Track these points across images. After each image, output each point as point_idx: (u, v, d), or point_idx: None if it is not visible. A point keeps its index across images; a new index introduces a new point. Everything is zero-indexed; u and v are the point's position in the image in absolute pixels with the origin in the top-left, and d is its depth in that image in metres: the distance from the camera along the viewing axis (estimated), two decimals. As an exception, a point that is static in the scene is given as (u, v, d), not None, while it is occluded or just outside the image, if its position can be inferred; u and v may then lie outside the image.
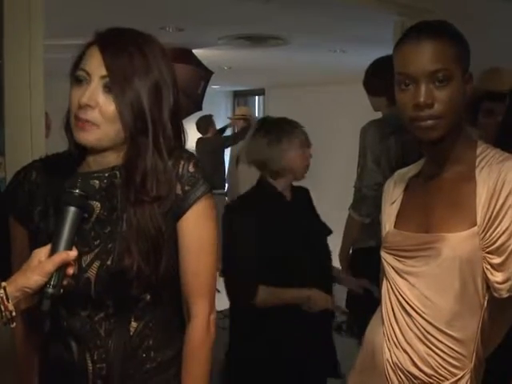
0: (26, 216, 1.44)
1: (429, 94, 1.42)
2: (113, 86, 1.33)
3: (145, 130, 1.36)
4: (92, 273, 1.37)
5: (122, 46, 1.36)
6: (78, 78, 1.36)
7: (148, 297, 1.41)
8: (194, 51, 5.48)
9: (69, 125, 1.40)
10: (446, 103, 1.42)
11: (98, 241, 1.38)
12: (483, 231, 1.41)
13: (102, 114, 1.33)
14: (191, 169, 1.41)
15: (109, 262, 1.36)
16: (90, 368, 1.40)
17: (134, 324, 1.41)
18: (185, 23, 4.69)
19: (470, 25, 1.56)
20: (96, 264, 1.37)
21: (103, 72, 1.33)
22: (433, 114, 1.43)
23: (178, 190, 1.40)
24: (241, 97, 10.22)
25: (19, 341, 1.52)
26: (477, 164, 1.47)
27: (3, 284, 1.19)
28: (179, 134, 1.44)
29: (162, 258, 1.39)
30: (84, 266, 1.37)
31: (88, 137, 1.34)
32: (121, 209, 1.39)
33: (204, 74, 5.46)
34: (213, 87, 5.87)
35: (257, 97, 10.01)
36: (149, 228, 1.37)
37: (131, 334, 1.41)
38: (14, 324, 1.20)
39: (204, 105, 5.62)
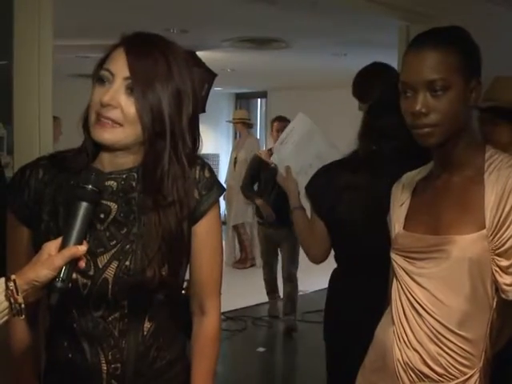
0: (33, 216, 1.42)
1: (424, 103, 1.46)
2: (135, 87, 1.34)
3: (163, 134, 1.38)
4: (110, 273, 1.37)
5: (147, 50, 1.37)
6: (101, 78, 1.37)
7: (163, 297, 1.43)
8: (197, 53, 5.50)
9: (87, 122, 1.40)
10: (442, 112, 1.46)
11: (115, 241, 1.39)
12: (492, 234, 1.43)
13: (123, 114, 1.34)
14: (207, 174, 1.46)
15: (127, 263, 1.37)
16: (105, 368, 1.40)
17: (147, 324, 1.43)
18: (189, 25, 4.72)
19: (474, 31, 1.57)
20: (114, 265, 1.37)
21: (127, 73, 1.35)
22: (428, 123, 1.46)
23: (196, 195, 1.44)
24: (243, 99, 10.24)
25: (16, 336, 1.50)
26: (485, 168, 1.49)
27: (13, 277, 1.19)
28: (195, 141, 1.47)
29: (183, 261, 1.44)
30: (101, 266, 1.38)
31: (107, 136, 1.35)
32: (138, 211, 1.40)
33: (208, 77, 5.46)
34: (215, 89, 5.88)
35: (259, 99, 10.03)
36: (172, 232, 1.39)
37: (145, 333, 1.42)
38: (23, 316, 1.20)
39: (206, 107, 5.64)
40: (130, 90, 1.35)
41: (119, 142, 1.37)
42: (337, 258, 2.29)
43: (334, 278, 2.29)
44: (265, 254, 5.72)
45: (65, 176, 1.40)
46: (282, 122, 5.67)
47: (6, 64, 2.07)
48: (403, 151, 1.98)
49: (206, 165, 1.48)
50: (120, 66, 1.35)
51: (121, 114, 1.34)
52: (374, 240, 2.01)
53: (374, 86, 2.63)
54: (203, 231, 1.46)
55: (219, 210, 1.51)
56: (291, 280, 5.50)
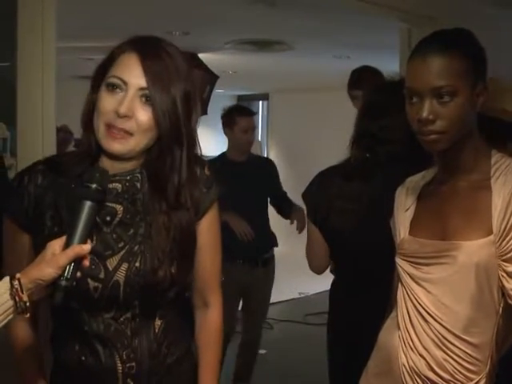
0: (35, 222, 1.42)
1: (431, 110, 1.44)
2: (152, 96, 1.34)
3: (179, 141, 1.39)
4: (121, 275, 1.38)
5: (159, 57, 1.37)
6: (112, 85, 1.35)
7: (173, 295, 1.45)
8: (199, 55, 5.51)
9: (89, 125, 1.39)
10: (448, 119, 1.44)
11: (122, 243, 1.40)
12: (499, 240, 1.42)
13: (137, 124, 1.35)
14: (207, 172, 1.49)
15: (137, 264, 1.39)
16: (120, 368, 1.41)
17: (158, 322, 1.45)
18: (191, 27, 4.72)
19: (475, 32, 1.56)
20: (124, 266, 1.39)
21: (142, 83, 1.34)
22: (435, 130, 1.45)
23: (198, 193, 1.46)
24: (245, 101, 10.22)
25: (18, 336, 1.50)
26: (492, 173, 1.48)
27: (18, 275, 1.20)
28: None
29: (193, 259, 1.47)
30: (111, 269, 1.38)
31: (119, 147, 1.36)
32: (144, 212, 1.41)
33: (209, 79, 5.48)
34: (217, 91, 5.90)
35: (261, 101, 10.04)
36: (184, 233, 1.42)
37: (156, 331, 1.45)
38: (28, 314, 1.21)
39: (208, 109, 5.64)
40: (145, 99, 1.35)
41: (130, 152, 1.38)
42: (334, 269, 2.30)
43: (333, 289, 2.29)
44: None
45: (65, 180, 1.40)
46: (247, 116, 3.95)
47: (9, 65, 2.09)
48: (397, 154, 1.98)
49: (204, 163, 1.49)
50: (134, 75, 1.35)
51: (135, 124, 1.35)
52: (367, 249, 2.01)
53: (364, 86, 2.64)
54: (205, 228, 1.49)
55: (218, 207, 1.52)
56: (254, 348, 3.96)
